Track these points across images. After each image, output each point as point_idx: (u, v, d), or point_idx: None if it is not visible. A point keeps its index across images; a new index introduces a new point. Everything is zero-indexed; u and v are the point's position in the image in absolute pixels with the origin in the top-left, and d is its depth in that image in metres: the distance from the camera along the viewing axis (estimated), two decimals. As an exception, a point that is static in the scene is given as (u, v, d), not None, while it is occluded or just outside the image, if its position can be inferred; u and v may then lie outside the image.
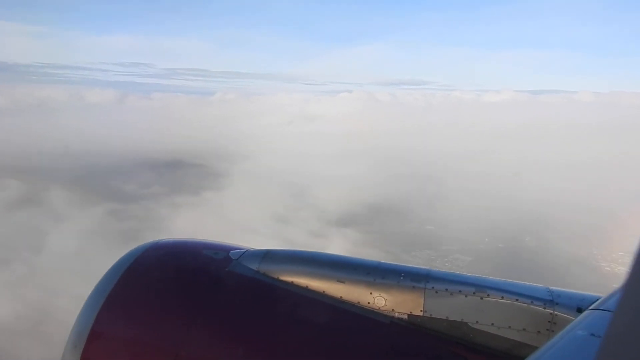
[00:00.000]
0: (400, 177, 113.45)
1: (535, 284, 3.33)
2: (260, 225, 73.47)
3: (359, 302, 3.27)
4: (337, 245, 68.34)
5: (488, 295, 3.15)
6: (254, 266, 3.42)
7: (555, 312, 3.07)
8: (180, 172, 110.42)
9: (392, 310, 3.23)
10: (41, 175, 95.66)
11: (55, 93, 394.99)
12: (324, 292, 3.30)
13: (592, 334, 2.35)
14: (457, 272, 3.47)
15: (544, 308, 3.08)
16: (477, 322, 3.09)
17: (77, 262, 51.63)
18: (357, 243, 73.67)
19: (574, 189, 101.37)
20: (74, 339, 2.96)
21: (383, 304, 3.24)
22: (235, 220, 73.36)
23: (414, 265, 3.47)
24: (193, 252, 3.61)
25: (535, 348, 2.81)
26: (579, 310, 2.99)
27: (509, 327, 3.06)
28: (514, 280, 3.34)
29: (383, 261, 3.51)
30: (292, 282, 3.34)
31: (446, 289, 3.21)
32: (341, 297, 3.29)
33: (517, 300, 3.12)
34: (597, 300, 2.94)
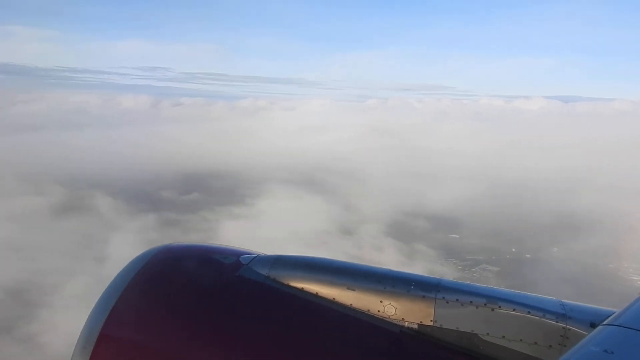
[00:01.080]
0: (434, 180, 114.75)
1: (547, 297, 3.28)
2: (310, 235, 75.26)
3: (369, 310, 3.24)
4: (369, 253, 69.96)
5: (499, 307, 3.10)
6: (264, 271, 3.41)
7: (568, 327, 3.01)
8: (228, 182, 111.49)
9: (402, 319, 3.19)
10: (87, 183, 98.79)
11: (89, 98, 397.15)
12: (334, 299, 3.28)
13: (606, 351, 2.32)
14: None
15: (556, 322, 3.02)
16: (487, 333, 3.05)
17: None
18: (390, 251, 75.43)
19: (607, 200, 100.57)
20: (83, 340, 2.98)
21: (393, 313, 3.20)
22: (286, 230, 75.01)
23: (424, 275, 3.46)
24: (203, 256, 3.61)
25: None
26: (592, 325, 2.95)
27: (520, 340, 3.01)
28: (526, 293, 3.31)
29: (393, 269, 3.49)
30: (302, 288, 3.32)
31: (457, 300, 3.17)
32: (351, 304, 3.27)
33: (529, 313, 3.07)
34: (611, 314, 2.90)
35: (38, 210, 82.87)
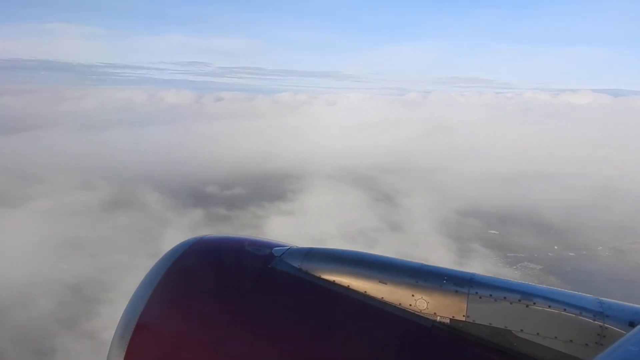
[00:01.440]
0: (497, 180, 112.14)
1: (585, 294, 3.21)
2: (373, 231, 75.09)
3: (400, 304, 3.22)
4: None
5: (534, 303, 3.04)
6: (296, 264, 3.42)
7: (606, 325, 2.92)
8: (277, 178, 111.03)
9: (434, 313, 3.17)
10: (138, 180, 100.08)
11: (134, 94, 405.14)
12: (365, 292, 3.27)
13: None
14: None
15: (594, 320, 2.94)
16: (521, 330, 3.00)
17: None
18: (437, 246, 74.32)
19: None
20: (121, 330, 3.05)
21: (425, 307, 3.18)
22: (335, 226, 75.17)
23: (457, 269, 3.40)
24: (237, 248, 3.63)
25: None
26: (632, 324, 2.88)
27: (555, 337, 2.95)
28: (563, 290, 3.24)
29: (425, 263, 3.46)
30: (334, 281, 3.33)
31: (490, 295, 3.12)
32: (382, 298, 3.24)
33: (564, 310, 2.99)
34: None
35: (94, 207, 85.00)
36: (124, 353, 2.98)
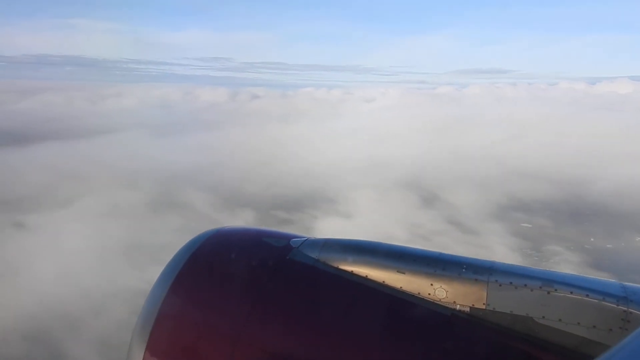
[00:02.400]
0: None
1: (608, 280, 3.21)
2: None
3: (419, 293, 3.22)
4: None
5: (555, 289, 3.02)
6: (314, 255, 3.44)
7: (630, 310, 2.90)
8: (335, 181, 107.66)
9: (454, 302, 3.16)
10: (189, 183, 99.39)
11: (170, 91, 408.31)
12: (383, 282, 3.27)
13: None
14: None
15: (617, 305, 2.92)
16: (543, 317, 2.98)
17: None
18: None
19: None
20: (142, 320, 3.12)
21: (444, 296, 3.18)
22: (398, 227, 75.07)
23: (476, 257, 3.39)
24: (254, 239, 3.67)
25: (606, 346, 2.78)
26: None
27: (578, 323, 2.92)
28: (585, 275, 3.23)
29: (444, 252, 3.47)
30: (352, 271, 3.34)
31: (510, 282, 3.11)
32: (401, 287, 3.25)
33: (587, 295, 2.98)
34: None
35: (151, 210, 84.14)
36: (145, 344, 3.04)
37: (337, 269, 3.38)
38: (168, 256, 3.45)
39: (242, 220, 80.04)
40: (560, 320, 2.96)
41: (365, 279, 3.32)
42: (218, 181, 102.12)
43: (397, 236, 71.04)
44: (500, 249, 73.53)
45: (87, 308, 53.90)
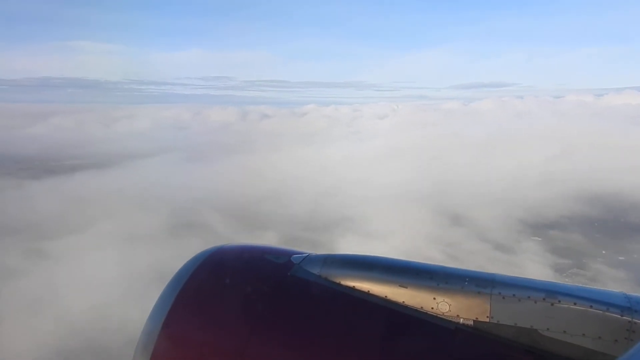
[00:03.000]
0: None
1: (611, 290, 3.18)
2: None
3: (422, 308, 3.19)
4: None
5: (559, 301, 3.00)
6: (315, 270, 3.42)
7: (634, 320, 2.88)
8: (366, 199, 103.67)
9: (457, 316, 3.13)
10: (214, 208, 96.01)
11: (179, 112, 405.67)
12: (386, 297, 3.24)
13: None
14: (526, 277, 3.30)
15: (622, 315, 2.90)
16: (547, 329, 2.95)
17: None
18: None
19: None
20: (144, 340, 3.07)
21: (447, 310, 3.15)
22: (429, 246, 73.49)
23: (477, 270, 3.36)
24: (255, 256, 3.62)
25: (611, 357, 2.78)
26: None
27: (583, 334, 2.89)
28: (589, 287, 3.18)
29: (446, 265, 3.43)
30: (354, 286, 3.30)
31: (513, 295, 3.08)
32: (404, 302, 3.21)
33: (591, 306, 2.95)
34: None
35: (182, 236, 79.47)
36: None
37: (339, 284, 3.36)
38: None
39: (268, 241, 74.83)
40: (565, 332, 2.95)
41: (368, 294, 3.29)
42: (245, 204, 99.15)
43: (432, 256, 69.00)
44: (536, 267, 71.96)
45: (121, 339, 51.13)
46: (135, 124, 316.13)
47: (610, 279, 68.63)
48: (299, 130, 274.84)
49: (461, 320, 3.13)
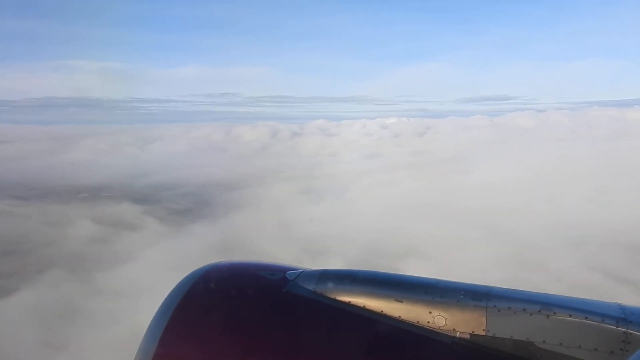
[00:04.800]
0: None
1: (606, 301, 3.16)
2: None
3: (418, 322, 3.19)
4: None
5: (554, 313, 3.00)
6: (310, 287, 3.41)
7: (630, 331, 2.89)
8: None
9: (453, 329, 3.13)
10: None
11: (209, 132, 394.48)
12: (382, 312, 3.24)
13: None
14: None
15: (617, 326, 2.93)
16: (544, 341, 2.96)
17: None
18: None
19: None
20: (140, 359, 3.07)
21: (443, 324, 3.16)
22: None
23: (473, 283, 3.32)
24: (250, 273, 3.61)
25: None
26: None
27: (579, 346, 2.91)
28: (583, 298, 3.19)
29: (441, 279, 3.39)
30: (350, 302, 3.31)
31: (509, 307, 3.09)
32: (400, 316, 3.21)
33: (586, 318, 2.95)
34: None
35: None
36: None
37: (335, 300, 3.36)
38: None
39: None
40: (561, 344, 2.95)
41: (363, 309, 3.30)
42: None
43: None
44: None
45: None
46: (171, 146, 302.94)
47: None
48: (339, 147, 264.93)
49: (457, 334, 3.14)
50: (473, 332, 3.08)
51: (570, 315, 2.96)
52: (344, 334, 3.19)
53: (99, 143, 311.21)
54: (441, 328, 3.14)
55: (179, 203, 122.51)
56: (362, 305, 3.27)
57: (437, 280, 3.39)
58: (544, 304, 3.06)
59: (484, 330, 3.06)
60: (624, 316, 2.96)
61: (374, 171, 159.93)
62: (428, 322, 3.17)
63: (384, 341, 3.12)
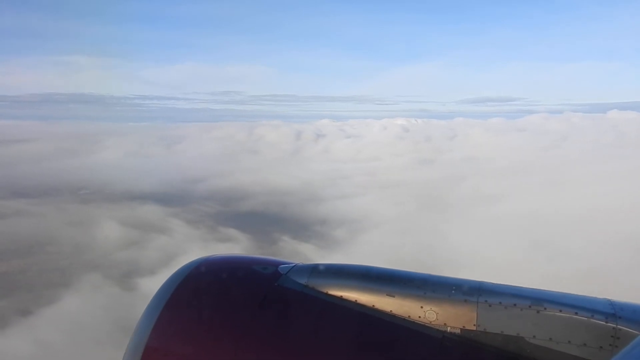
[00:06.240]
0: None
1: (595, 297, 3.16)
2: None
3: (409, 316, 3.20)
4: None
5: (545, 308, 3.01)
6: (302, 280, 3.39)
7: (619, 327, 2.90)
8: None
9: (444, 324, 3.14)
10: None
11: (232, 131, 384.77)
12: (373, 306, 3.25)
13: None
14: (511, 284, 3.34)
15: (606, 322, 2.94)
16: (534, 336, 2.98)
17: None
18: None
19: None
20: (130, 354, 3.06)
21: (434, 318, 3.17)
22: None
23: (464, 278, 3.33)
24: (242, 267, 3.57)
25: None
26: None
27: (569, 342, 2.92)
28: (573, 293, 3.20)
29: (433, 274, 3.39)
30: (341, 296, 3.31)
31: (500, 302, 3.10)
32: (391, 311, 3.22)
33: (576, 313, 2.96)
34: None
35: None
36: None
37: (326, 294, 3.35)
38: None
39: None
40: (551, 339, 2.97)
41: (355, 303, 3.29)
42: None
43: None
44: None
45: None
46: (200, 147, 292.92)
47: None
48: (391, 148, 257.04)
49: (448, 329, 3.13)
50: (464, 327, 3.08)
51: (560, 311, 2.97)
52: (335, 328, 3.15)
53: (123, 142, 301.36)
54: (432, 323, 3.14)
55: (298, 219, 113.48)
56: (353, 300, 3.26)
57: (429, 275, 3.34)
58: (535, 299, 3.03)
59: (474, 325, 3.05)
60: (614, 312, 2.96)
61: (490, 177, 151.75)
62: (419, 317, 3.17)
63: (375, 336, 3.10)
